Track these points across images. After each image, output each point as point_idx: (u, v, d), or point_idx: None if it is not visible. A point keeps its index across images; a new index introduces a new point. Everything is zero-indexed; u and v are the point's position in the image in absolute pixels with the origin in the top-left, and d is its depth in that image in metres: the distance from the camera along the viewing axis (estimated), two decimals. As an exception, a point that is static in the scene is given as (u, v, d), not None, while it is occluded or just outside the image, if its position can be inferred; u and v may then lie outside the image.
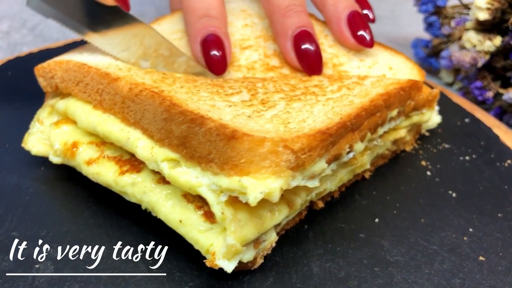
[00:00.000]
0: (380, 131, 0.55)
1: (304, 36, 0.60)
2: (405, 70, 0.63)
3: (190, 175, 0.45)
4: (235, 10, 0.71)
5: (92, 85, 0.53)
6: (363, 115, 0.50)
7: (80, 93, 0.54)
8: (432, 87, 0.65)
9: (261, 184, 0.41)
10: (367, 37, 0.63)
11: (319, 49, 0.60)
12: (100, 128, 0.51)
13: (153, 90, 0.48)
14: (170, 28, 0.67)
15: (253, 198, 0.41)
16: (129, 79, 0.51)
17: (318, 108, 0.50)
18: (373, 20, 0.68)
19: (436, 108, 0.68)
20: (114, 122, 0.51)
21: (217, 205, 0.43)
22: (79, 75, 0.54)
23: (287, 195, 0.47)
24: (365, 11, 0.68)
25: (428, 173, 0.63)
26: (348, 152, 0.50)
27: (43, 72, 0.57)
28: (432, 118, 0.68)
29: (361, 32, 0.63)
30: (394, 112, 0.56)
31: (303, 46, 0.59)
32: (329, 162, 0.48)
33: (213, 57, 0.57)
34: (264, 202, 0.44)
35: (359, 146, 0.52)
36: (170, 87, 0.50)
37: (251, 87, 0.54)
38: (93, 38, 0.56)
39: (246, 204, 0.42)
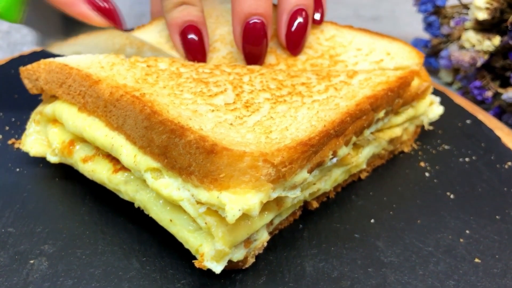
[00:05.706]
0: (367, 132, 0.55)
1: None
2: (403, 54, 0.63)
3: (172, 187, 0.44)
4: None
5: (75, 87, 0.52)
6: (348, 121, 0.49)
7: (64, 95, 0.54)
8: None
9: (240, 201, 0.41)
10: (299, 42, 0.61)
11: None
12: (86, 134, 0.51)
13: (134, 94, 0.47)
14: (153, 37, 0.66)
15: (231, 216, 0.40)
16: (110, 81, 0.50)
17: (303, 113, 0.49)
18: (319, 22, 0.67)
19: (437, 99, 0.68)
20: (99, 126, 0.51)
21: (198, 218, 0.43)
22: (61, 76, 0.53)
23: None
24: (317, 15, 0.67)
25: (427, 174, 0.63)
26: (332, 158, 0.50)
27: (28, 74, 0.57)
28: (433, 110, 0.67)
29: (294, 31, 0.61)
30: (381, 114, 0.55)
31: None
32: (310, 171, 0.47)
33: (191, 41, 0.61)
34: None
35: (343, 151, 0.51)
36: (152, 88, 0.50)
37: (237, 83, 0.54)
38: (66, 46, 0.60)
39: None
